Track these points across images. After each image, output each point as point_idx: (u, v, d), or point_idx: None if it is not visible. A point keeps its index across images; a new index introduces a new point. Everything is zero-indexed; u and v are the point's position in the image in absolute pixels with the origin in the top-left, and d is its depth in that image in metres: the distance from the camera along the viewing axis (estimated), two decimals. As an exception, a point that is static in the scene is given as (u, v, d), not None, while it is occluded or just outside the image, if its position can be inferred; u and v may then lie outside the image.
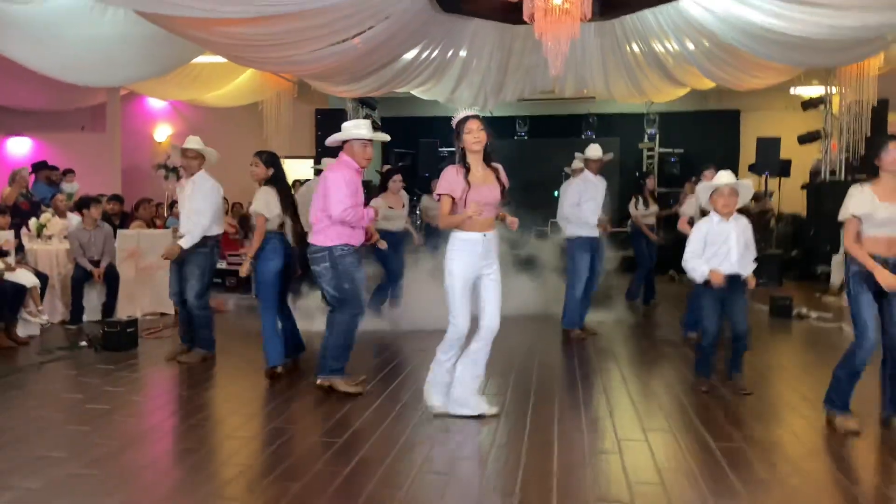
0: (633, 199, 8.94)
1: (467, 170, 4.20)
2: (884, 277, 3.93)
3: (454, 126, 4.22)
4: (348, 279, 4.86)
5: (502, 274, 4.38)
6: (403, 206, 7.66)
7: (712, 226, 4.83)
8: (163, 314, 8.10)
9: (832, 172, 11.70)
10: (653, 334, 7.26)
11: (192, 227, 5.82)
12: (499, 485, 3.47)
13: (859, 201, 4.06)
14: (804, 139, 12.26)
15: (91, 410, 4.60)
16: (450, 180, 4.21)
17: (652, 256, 8.78)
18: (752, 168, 12.32)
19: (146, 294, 8.18)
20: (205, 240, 5.85)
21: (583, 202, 6.73)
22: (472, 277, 4.23)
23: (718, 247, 4.78)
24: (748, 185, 4.91)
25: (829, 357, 6.03)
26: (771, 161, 11.83)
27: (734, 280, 4.80)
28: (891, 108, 11.42)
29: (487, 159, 4.27)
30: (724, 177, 4.83)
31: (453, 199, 4.19)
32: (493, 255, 4.28)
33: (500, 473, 3.60)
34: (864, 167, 4.47)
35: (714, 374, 5.09)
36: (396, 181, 7.66)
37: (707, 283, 4.79)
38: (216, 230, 5.97)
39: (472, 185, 4.18)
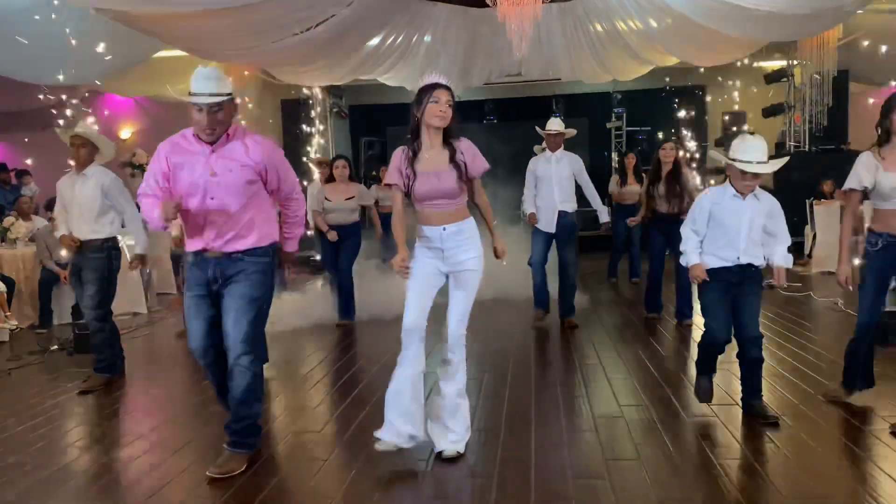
0: (614, 178, 9.14)
1: (415, 153, 3.50)
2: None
3: (417, 92, 3.48)
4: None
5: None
6: (352, 198, 6.89)
7: (723, 200, 3.89)
8: (135, 314, 8.02)
9: (797, 143, 11.88)
10: (626, 312, 7.33)
11: (138, 228, 5.26)
12: (478, 467, 3.50)
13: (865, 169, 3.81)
14: (768, 112, 12.44)
15: (63, 415, 4.55)
16: (395, 167, 3.55)
17: (634, 234, 8.63)
18: (718, 143, 12.48)
19: (117, 293, 8.03)
20: (102, 242, 5.12)
21: (537, 183, 6.36)
22: (432, 274, 3.52)
23: (727, 228, 3.86)
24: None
25: (799, 327, 6.16)
26: (737, 135, 11.99)
27: (745, 271, 3.88)
28: (851, 78, 11.60)
29: (448, 139, 3.51)
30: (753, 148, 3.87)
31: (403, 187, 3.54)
32: (464, 251, 3.52)
33: (479, 456, 3.63)
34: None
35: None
36: (338, 167, 6.92)
37: (713, 271, 3.89)
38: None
39: (420, 173, 3.46)
